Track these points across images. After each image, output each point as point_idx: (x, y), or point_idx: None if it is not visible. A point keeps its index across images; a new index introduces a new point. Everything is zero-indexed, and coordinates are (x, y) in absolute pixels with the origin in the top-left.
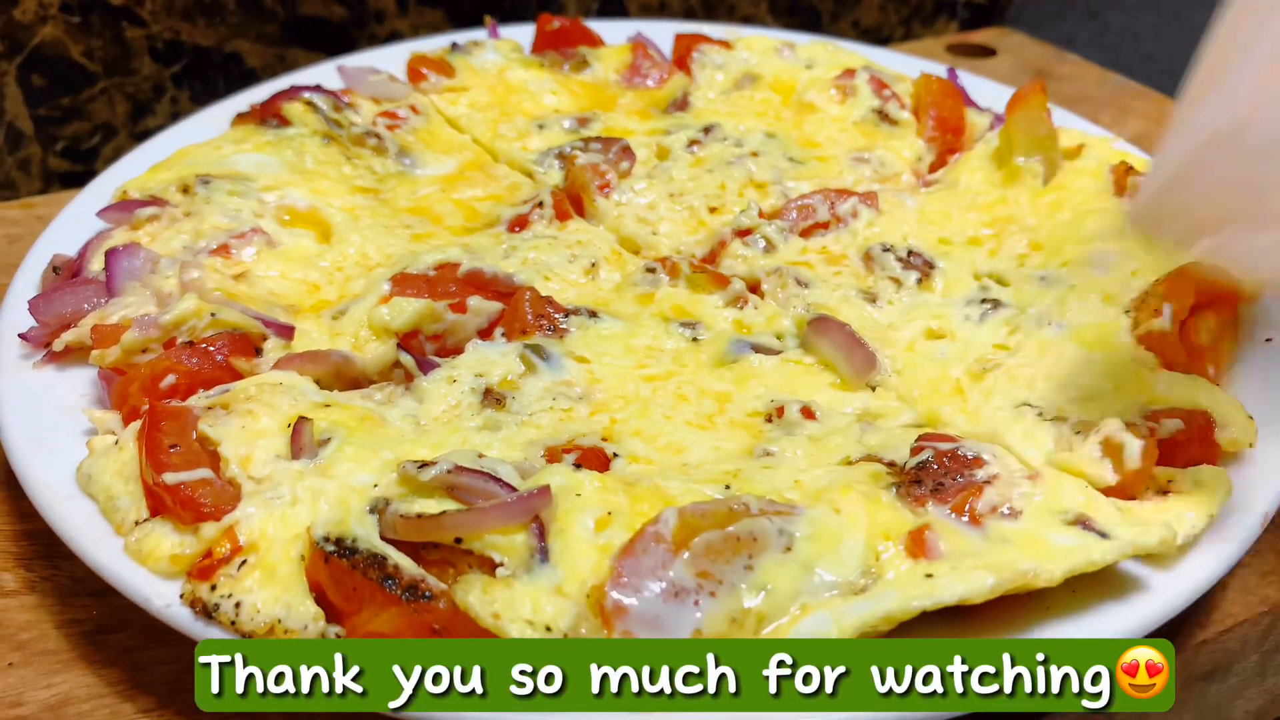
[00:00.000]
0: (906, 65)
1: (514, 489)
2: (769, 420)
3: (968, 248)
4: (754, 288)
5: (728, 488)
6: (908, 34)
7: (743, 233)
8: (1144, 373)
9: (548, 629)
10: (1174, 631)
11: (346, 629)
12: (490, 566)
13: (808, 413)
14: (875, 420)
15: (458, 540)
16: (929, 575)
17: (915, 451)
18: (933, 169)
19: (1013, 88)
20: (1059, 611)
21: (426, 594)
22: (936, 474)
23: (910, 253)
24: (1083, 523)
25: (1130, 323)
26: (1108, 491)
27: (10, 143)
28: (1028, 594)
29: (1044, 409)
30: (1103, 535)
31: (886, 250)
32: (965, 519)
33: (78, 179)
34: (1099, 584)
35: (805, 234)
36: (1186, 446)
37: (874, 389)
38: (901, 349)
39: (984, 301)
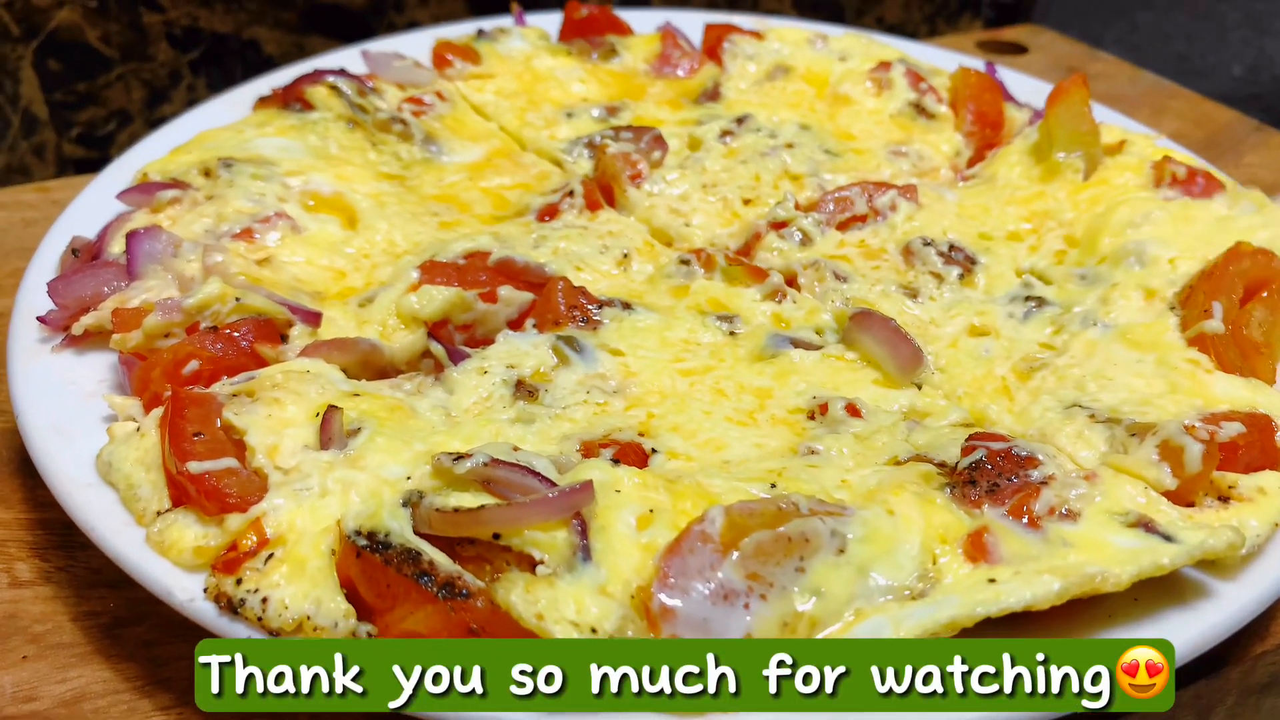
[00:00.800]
0: (941, 59)
1: (553, 484)
2: (811, 417)
3: (1009, 243)
4: (790, 281)
5: (773, 486)
6: (932, 31)
7: (778, 225)
8: (1199, 374)
9: (593, 630)
10: (1232, 643)
11: (379, 627)
12: (528, 564)
13: (853, 410)
14: (922, 419)
15: (496, 536)
16: (991, 580)
17: (967, 451)
18: (970, 164)
19: (1050, 84)
20: (1122, 618)
21: (464, 592)
22: (991, 474)
23: (952, 247)
24: (1145, 525)
25: (1179, 322)
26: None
27: (25, 128)
28: (1088, 600)
29: (1096, 410)
30: (1167, 538)
31: (928, 244)
32: (1024, 521)
33: (92, 165)
34: (1162, 590)
35: (842, 227)
36: (1247, 451)
37: (920, 386)
38: (944, 345)
39: (1028, 299)
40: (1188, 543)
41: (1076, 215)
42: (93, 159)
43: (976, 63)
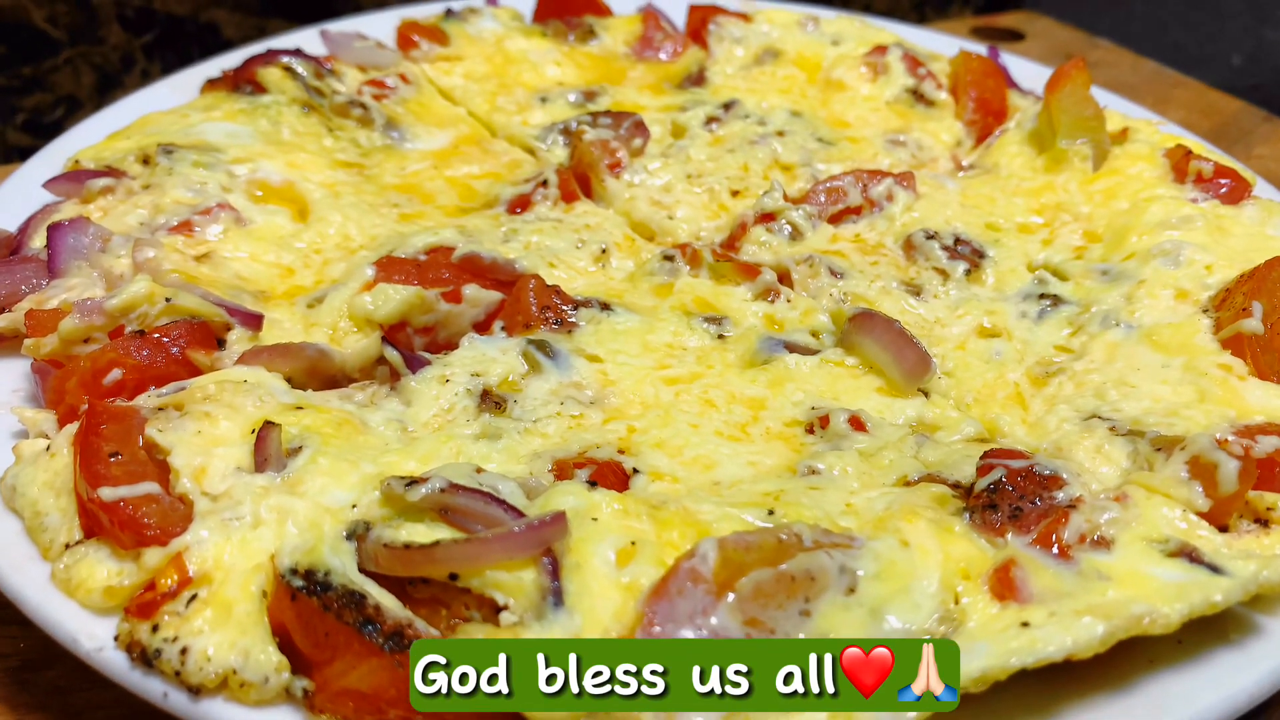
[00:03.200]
0: (939, 44)
1: (520, 513)
2: (810, 431)
3: (1020, 235)
4: (781, 279)
5: (771, 513)
6: (921, 19)
7: (765, 217)
8: (1231, 381)
9: None
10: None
11: (316, 682)
12: (490, 607)
13: (857, 423)
14: (933, 432)
15: (453, 577)
16: (1025, 624)
17: (983, 471)
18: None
19: (1052, 69)
20: (1164, 662)
21: (414, 643)
22: (1012, 497)
23: (957, 240)
24: (1188, 554)
25: (1212, 324)
26: None
27: None
28: (1127, 641)
29: (1117, 422)
30: (1214, 569)
31: (930, 237)
32: (1053, 551)
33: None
34: (1204, 628)
35: (835, 220)
36: None
37: (927, 395)
38: (951, 347)
39: (1042, 297)
40: (1239, 575)
41: (1093, 209)
42: (39, 147)
43: (978, 47)
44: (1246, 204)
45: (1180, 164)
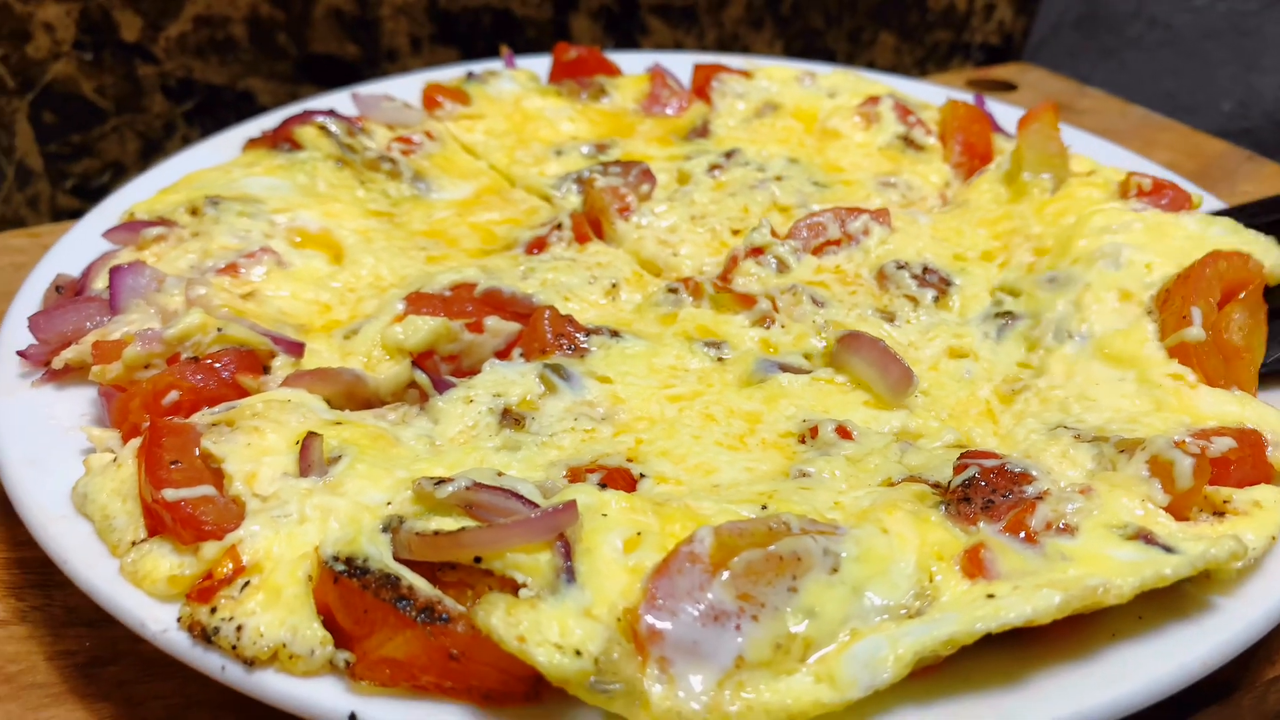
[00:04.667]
0: (931, 94)
1: (536, 506)
2: (802, 441)
3: (982, 263)
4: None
5: (764, 508)
6: (923, 76)
7: (755, 251)
8: (1183, 391)
9: (577, 653)
10: (1241, 667)
11: (357, 654)
12: (512, 588)
13: (844, 432)
14: (915, 440)
15: (477, 560)
16: (990, 595)
17: (959, 469)
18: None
19: None
20: (1126, 635)
21: (444, 616)
22: (985, 491)
23: (925, 269)
24: (1144, 537)
25: (1157, 329)
26: None
27: (20, 179)
28: (1091, 617)
29: (1081, 431)
30: (1167, 549)
31: (901, 268)
32: (1021, 536)
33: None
34: (1164, 607)
35: (817, 252)
36: (1239, 467)
37: (911, 410)
38: (925, 369)
39: (998, 316)
40: (1189, 553)
41: (1044, 229)
42: (86, 210)
43: (967, 97)
44: (1185, 212)
45: (1125, 185)
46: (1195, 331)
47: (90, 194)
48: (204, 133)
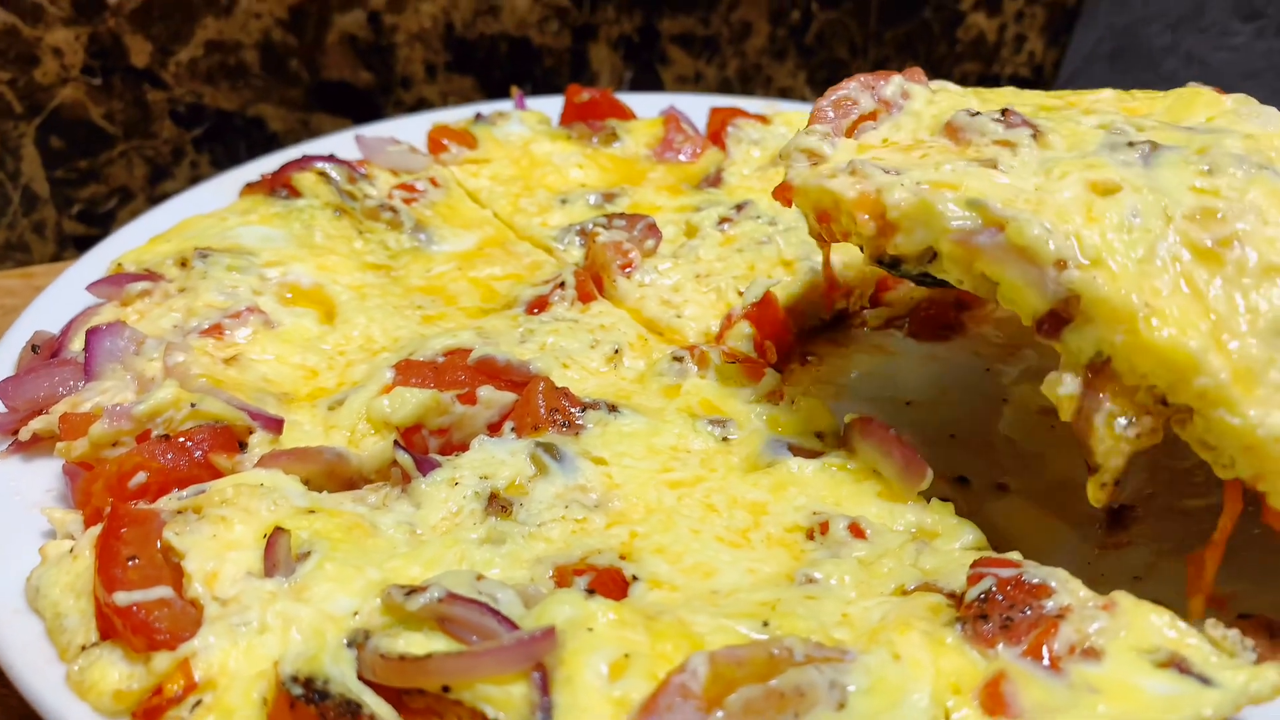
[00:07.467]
0: None
1: (514, 624)
2: (810, 537)
3: (1069, 111)
4: (822, 218)
5: (766, 624)
6: None
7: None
8: None
9: None
10: None
11: None
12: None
13: (856, 530)
14: (931, 540)
15: (445, 689)
16: None
17: (974, 580)
18: None
19: None
20: None
21: None
22: (1002, 606)
23: (1005, 111)
24: (1177, 665)
25: None
26: None
27: (25, 205)
28: None
29: None
30: (1203, 680)
31: (975, 115)
32: (1044, 663)
33: (92, 242)
34: None
35: (851, 133)
36: None
37: (928, 500)
38: (1081, 220)
39: (1129, 146)
40: (1229, 687)
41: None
42: (93, 235)
43: None
44: None
45: None
46: None
47: (97, 219)
48: (213, 159)
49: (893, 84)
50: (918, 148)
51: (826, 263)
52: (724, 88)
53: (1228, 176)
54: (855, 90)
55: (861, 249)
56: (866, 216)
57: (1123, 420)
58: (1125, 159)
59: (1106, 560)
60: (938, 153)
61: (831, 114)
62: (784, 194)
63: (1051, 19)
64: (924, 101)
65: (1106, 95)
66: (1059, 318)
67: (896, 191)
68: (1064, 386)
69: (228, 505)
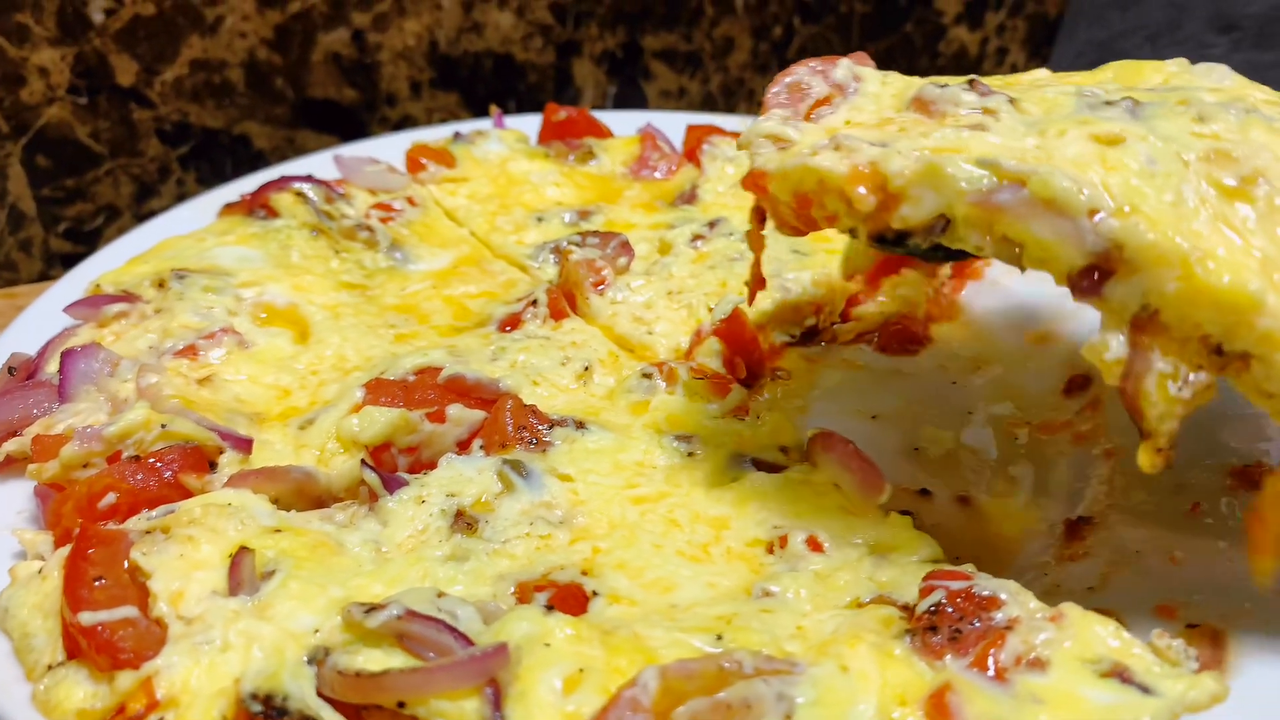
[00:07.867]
0: None
1: (470, 641)
2: (770, 551)
3: (1020, 86)
4: (803, 203)
5: (720, 638)
6: None
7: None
8: None
9: None
10: None
11: None
12: None
13: (814, 544)
14: (889, 553)
15: (401, 704)
16: None
17: (925, 592)
18: None
19: None
20: None
21: None
22: (951, 618)
23: (971, 82)
24: (1119, 674)
25: None
26: None
27: (12, 223)
28: None
29: None
30: (1144, 689)
31: (944, 87)
32: (989, 674)
33: (79, 260)
34: None
35: (810, 117)
36: None
37: (888, 514)
38: (1101, 170)
39: (1109, 104)
40: (1168, 695)
41: None
42: (80, 253)
43: None
44: None
45: None
46: None
47: (83, 237)
48: (199, 177)
49: (842, 66)
50: (889, 124)
51: (757, 263)
52: (707, 102)
53: (1222, 122)
54: (806, 75)
55: (852, 233)
56: (865, 190)
57: (1174, 384)
58: (1113, 115)
59: (1063, 570)
60: (914, 125)
61: (786, 98)
62: (757, 181)
63: (1033, 32)
64: (878, 83)
65: (1043, 74)
66: (1099, 272)
67: (896, 160)
68: (1110, 351)
69: (195, 525)
